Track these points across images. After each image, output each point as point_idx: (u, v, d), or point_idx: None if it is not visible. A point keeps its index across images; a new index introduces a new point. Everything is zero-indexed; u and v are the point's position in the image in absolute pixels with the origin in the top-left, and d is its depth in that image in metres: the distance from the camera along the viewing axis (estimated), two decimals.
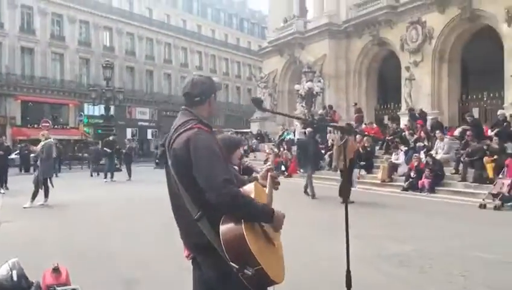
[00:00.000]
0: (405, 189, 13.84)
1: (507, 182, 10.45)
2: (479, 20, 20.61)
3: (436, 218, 9.52)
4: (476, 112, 20.41)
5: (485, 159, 11.93)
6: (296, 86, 26.39)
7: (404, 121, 21.29)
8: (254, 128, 33.31)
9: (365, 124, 20.99)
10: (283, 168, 20.01)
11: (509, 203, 10.33)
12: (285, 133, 24.89)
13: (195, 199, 2.25)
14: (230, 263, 2.07)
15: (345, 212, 3.25)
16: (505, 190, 10.40)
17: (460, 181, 12.62)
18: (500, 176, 11.06)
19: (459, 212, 10.15)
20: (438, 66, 22.51)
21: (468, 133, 13.50)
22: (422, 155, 14.08)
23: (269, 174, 2.60)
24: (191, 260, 2.51)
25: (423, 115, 19.84)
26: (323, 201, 12.05)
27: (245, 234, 2.08)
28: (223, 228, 2.13)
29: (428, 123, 18.61)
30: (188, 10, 56.14)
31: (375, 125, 20.45)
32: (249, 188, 2.36)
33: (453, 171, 13.19)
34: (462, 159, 12.71)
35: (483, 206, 10.27)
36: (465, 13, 20.75)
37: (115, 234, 8.10)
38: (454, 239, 7.34)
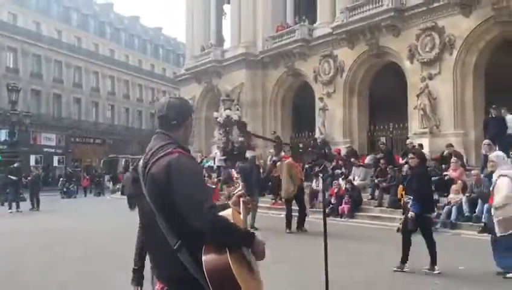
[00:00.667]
0: (326, 215, 14.30)
1: None
2: (385, 56, 22.29)
3: (360, 242, 9.96)
4: (383, 141, 21.82)
5: (400, 186, 12.77)
6: (215, 114, 26.58)
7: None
8: None
9: (284, 151, 21.57)
10: None
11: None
12: (204, 161, 24.81)
13: (174, 227, 2.16)
14: None
15: (324, 244, 3.35)
16: None
17: (377, 206, 13.37)
18: None
19: (378, 236, 10.70)
20: (349, 97, 23.88)
21: (381, 161, 14.40)
22: (341, 182, 14.76)
23: (241, 199, 2.59)
24: None
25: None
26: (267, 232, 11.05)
27: (230, 263, 2.04)
28: (207, 257, 2.05)
29: (343, 151, 19.56)
30: (100, 34, 54.62)
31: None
32: (227, 214, 2.34)
33: (370, 197, 13.95)
34: (380, 185, 13.51)
35: (399, 230, 10.88)
36: (372, 50, 22.35)
37: (27, 267, 7.52)
38: (377, 262, 7.72)
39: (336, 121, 23.81)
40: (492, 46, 18.86)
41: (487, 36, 18.46)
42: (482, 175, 12.05)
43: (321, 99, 24.24)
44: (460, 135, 18.64)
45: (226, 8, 33.15)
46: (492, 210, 6.81)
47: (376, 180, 13.71)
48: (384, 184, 13.23)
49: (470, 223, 11.70)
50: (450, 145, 16.33)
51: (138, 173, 2.34)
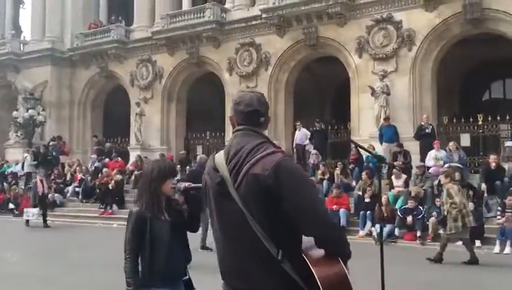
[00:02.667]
0: None
1: None
2: (205, 66, 22.88)
3: None
4: (199, 149, 22.34)
5: None
6: (15, 113, 23.40)
7: (133, 157, 21.46)
8: None
9: (110, 158, 20.24)
10: (11, 205, 17.25)
11: None
12: (5, 166, 21.55)
13: (274, 235, 1.93)
14: None
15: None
16: None
17: None
18: None
19: None
20: (167, 104, 23.76)
21: None
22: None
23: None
24: None
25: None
26: None
27: (347, 273, 1.91)
28: (319, 269, 1.88)
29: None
30: None
31: (119, 159, 19.94)
32: None
33: None
34: None
35: None
36: (192, 58, 22.69)
37: None
38: None
39: (153, 127, 23.41)
40: (300, 65, 21.12)
41: (298, 56, 20.57)
42: None
43: (138, 104, 23.50)
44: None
45: None
46: None
47: None
48: None
49: None
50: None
51: (219, 172, 2.06)
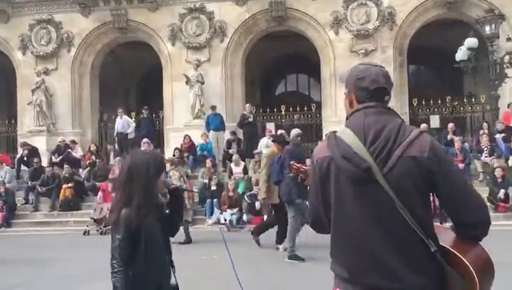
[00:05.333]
0: None
1: (107, 206, 10.75)
2: None
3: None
4: None
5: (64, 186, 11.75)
6: None
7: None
8: None
9: None
10: None
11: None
12: None
13: (422, 225, 1.79)
14: None
15: None
16: (106, 214, 10.66)
17: (34, 211, 11.76)
18: (99, 200, 11.24)
19: (64, 242, 9.60)
20: None
21: (35, 160, 12.78)
22: None
23: None
24: None
25: None
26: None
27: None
28: (468, 256, 1.77)
29: None
30: None
31: None
32: None
33: (23, 201, 12.09)
34: (39, 188, 11.90)
35: (87, 233, 10.16)
36: None
37: None
38: None
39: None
40: (108, 49, 19.80)
41: (105, 39, 19.23)
42: None
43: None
44: (78, 134, 18.64)
45: None
46: None
47: (30, 183, 12.00)
48: (42, 187, 11.79)
49: None
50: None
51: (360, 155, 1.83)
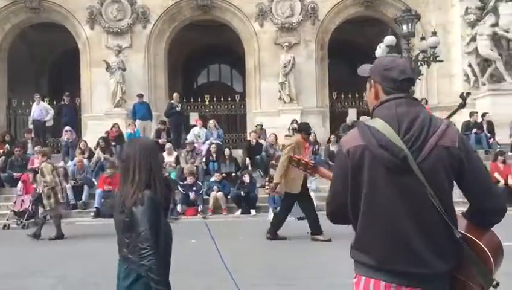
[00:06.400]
0: None
1: (27, 198, 9.95)
2: None
3: None
4: None
5: None
6: None
7: None
8: None
9: None
10: None
11: (32, 219, 10.03)
12: None
13: (448, 212, 1.87)
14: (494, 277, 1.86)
15: None
16: (28, 206, 9.88)
17: None
18: (19, 192, 10.34)
19: None
20: None
21: None
22: None
23: None
24: None
25: None
26: None
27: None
28: (486, 243, 1.88)
29: None
30: None
31: None
32: None
33: None
34: None
35: (7, 226, 9.38)
36: None
37: None
38: None
39: None
40: (18, 30, 18.37)
41: (15, 19, 17.80)
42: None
43: None
44: None
45: None
46: None
47: None
48: None
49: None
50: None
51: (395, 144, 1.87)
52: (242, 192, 11.44)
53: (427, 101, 15.43)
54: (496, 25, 15.41)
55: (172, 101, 15.24)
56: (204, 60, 23.51)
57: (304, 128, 8.10)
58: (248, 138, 14.34)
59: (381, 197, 1.89)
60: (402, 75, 1.99)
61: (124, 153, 2.67)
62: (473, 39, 15.87)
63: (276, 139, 13.62)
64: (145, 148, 2.58)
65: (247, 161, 13.05)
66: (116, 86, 16.38)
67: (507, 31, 15.33)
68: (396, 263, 1.86)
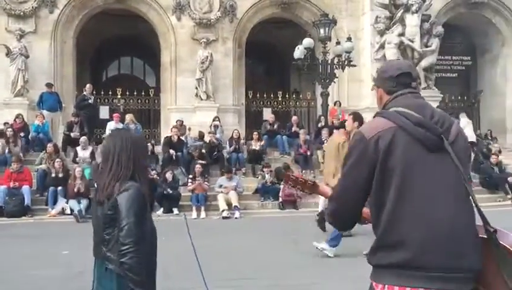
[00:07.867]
0: None
1: None
2: None
3: None
4: None
5: None
6: None
7: None
8: None
9: None
10: None
11: None
12: None
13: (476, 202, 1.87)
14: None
15: None
16: None
17: None
18: None
19: None
20: None
21: None
22: None
23: None
24: None
25: None
26: None
27: None
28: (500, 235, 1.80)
29: None
30: None
31: None
32: None
33: None
34: None
35: None
36: None
37: None
38: None
39: None
40: None
41: None
42: None
43: None
44: None
45: None
46: None
47: None
48: None
49: None
50: None
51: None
52: (164, 191, 10.96)
53: (340, 104, 16.01)
54: (402, 34, 16.39)
55: (84, 93, 14.27)
56: (116, 52, 22.40)
57: (359, 119, 7.00)
58: (169, 133, 13.73)
59: (419, 177, 1.77)
60: (398, 71, 1.98)
61: (103, 144, 2.47)
62: (382, 46, 16.71)
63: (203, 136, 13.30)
64: (126, 139, 2.32)
65: (174, 157, 12.47)
66: (17, 74, 15.02)
67: (412, 41, 16.39)
68: (434, 254, 1.71)
